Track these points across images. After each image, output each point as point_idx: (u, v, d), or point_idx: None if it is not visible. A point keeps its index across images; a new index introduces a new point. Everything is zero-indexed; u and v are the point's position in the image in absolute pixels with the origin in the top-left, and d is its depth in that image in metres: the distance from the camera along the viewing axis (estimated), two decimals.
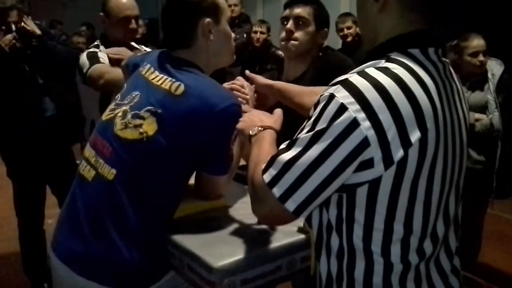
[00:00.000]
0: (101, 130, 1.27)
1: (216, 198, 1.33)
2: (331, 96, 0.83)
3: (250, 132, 1.08)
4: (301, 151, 0.85)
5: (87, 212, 1.20)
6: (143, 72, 1.29)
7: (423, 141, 0.83)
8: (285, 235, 1.18)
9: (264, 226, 1.22)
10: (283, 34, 1.72)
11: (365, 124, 0.80)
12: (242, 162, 1.71)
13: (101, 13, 2.18)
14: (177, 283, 1.24)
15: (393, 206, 0.86)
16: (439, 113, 0.85)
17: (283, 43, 1.74)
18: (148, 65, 1.30)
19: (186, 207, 1.30)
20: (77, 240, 1.20)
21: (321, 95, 0.87)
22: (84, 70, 2.09)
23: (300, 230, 1.20)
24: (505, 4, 4.15)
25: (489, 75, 2.63)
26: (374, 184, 0.85)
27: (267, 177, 0.88)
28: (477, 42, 2.59)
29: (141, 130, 1.17)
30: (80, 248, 1.19)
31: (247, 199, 1.38)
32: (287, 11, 1.74)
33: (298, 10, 1.70)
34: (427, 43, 0.91)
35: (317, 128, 0.84)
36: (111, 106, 1.30)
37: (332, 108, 0.82)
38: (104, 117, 1.29)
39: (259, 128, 1.07)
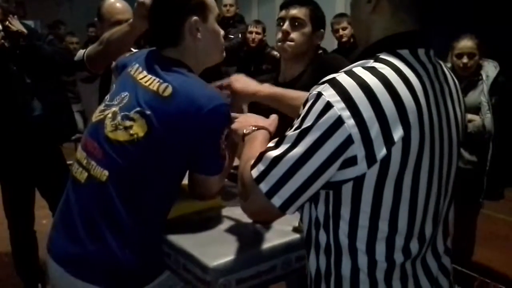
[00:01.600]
0: (92, 132, 1.27)
1: (210, 197, 1.33)
2: (318, 95, 0.86)
3: (244, 131, 1.10)
4: (288, 148, 0.87)
5: (81, 214, 1.20)
6: (132, 72, 1.28)
7: (406, 140, 0.84)
8: (280, 235, 1.19)
9: (259, 226, 1.23)
10: (279, 35, 1.73)
11: (349, 122, 0.82)
12: (236, 162, 1.71)
13: (96, 19, 2.19)
14: (172, 283, 1.24)
15: (377, 204, 0.87)
16: (424, 113, 0.86)
17: (279, 44, 1.74)
18: (137, 65, 1.29)
19: (181, 207, 1.30)
20: (72, 242, 1.20)
21: (309, 94, 0.89)
22: (81, 59, 2.07)
23: (295, 230, 1.20)
24: (502, 5, 4.18)
25: (484, 77, 2.63)
26: (358, 182, 0.86)
27: (255, 173, 0.90)
28: (463, 44, 2.57)
29: (131, 131, 1.17)
30: (75, 250, 1.19)
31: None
32: (283, 12, 1.74)
33: (294, 11, 1.71)
34: (417, 44, 0.93)
35: (304, 125, 0.86)
36: (101, 107, 1.29)
37: (318, 106, 0.85)
38: (94, 118, 1.28)
39: (253, 128, 1.09)
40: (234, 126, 1.16)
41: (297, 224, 1.21)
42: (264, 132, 1.10)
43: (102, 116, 1.25)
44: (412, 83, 0.86)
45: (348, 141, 0.82)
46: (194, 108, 1.14)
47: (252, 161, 0.93)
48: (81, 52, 2.13)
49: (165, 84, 1.18)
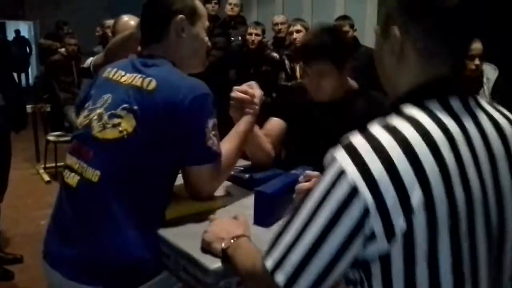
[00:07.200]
0: (79, 137, 1.28)
1: (205, 194, 1.32)
2: (333, 160, 0.77)
3: (223, 245, 1.03)
4: (303, 228, 0.77)
5: (75, 217, 1.21)
6: (110, 76, 1.31)
7: (428, 205, 0.73)
8: None
9: (260, 228, 1.22)
10: (308, 84, 1.66)
11: (364, 191, 0.73)
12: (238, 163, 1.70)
13: (110, 34, 2.37)
14: (168, 284, 1.23)
15: (412, 285, 0.75)
16: (451, 170, 0.75)
17: (310, 91, 1.68)
18: (115, 69, 1.32)
19: (181, 208, 1.29)
20: (67, 245, 1.20)
21: (326, 157, 0.80)
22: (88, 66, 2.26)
23: None
24: (502, 9, 4.18)
25: (484, 80, 2.64)
26: (385, 261, 0.75)
27: (269, 263, 0.79)
28: (474, 46, 2.60)
29: (120, 128, 1.18)
30: (70, 252, 1.19)
31: (243, 201, 1.39)
32: (305, 66, 1.66)
33: (315, 67, 1.61)
34: (448, 91, 0.82)
35: (318, 196, 0.77)
36: (85, 113, 1.30)
37: (332, 173, 0.76)
38: (80, 125, 1.30)
39: (232, 240, 1.02)
40: (206, 239, 1.10)
41: None
42: (245, 239, 1.03)
43: (87, 121, 1.26)
44: (434, 139, 0.76)
45: (365, 213, 0.73)
46: (178, 99, 1.17)
47: (263, 254, 0.82)
48: (89, 60, 2.30)
49: (148, 79, 1.21)
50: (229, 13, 4.81)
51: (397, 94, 0.86)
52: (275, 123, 1.78)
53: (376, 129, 0.78)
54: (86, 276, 1.17)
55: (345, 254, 0.75)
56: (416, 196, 0.72)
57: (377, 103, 1.58)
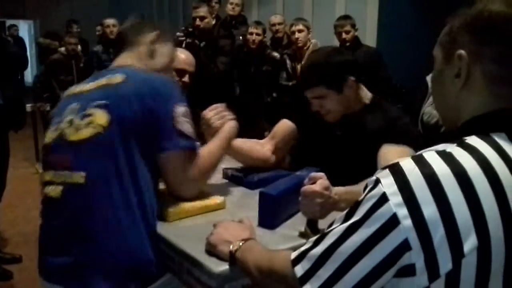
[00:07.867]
0: (53, 149, 1.26)
1: (183, 185, 1.27)
2: (376, 182, 0.71)
3: (231, 248, 1.01)
4: (337, 244, 0.72)
5: (65, 226, 1.19)
6: (71, 92, 1.35)
7: (483, 250, 0.66)
8: (286, 240, 1.17)
9: (264, 230, 1.21)
10: (312, 106, 1.60)
11: (406, 223, 0.66)
12: (237, 164, 1.68)
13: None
14: (170, 287, 1.22)
15: None
16: None
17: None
18: (75, 86, 1.37)
19: (183, 210, 1.28)
20: (61, 256, 1.18)
21: (371, 178, 0.74)
22: None
23: (301, 235, 1.18)
24: None
25: None
26: None
27: (299, 271, 0.76)
28: None
29: (93, 125, 1.19)
30: (66, 262, 1.17)
31: (247, 202, 1.38)
32: (305, 94, 1.60)
33: (310, 95, 1.57)
34: None
35: (355, 217, 0.72)
36: (52, 129, 1.29)
37: (373, 196, 0.70)
38: (49, 140, 1.28)
39: (240, 243, 1.01)
40: (212, 241, 1.08)
41: (303, 229, 1.19)
42: (254, 241, 1.02)
43: (58, 132, 1.25)
44: (499, 177, 0.68)
45: (404, 246, 0.67)
46: (146, 88, 1.22)
47: (292, 257, 0.79)
48: None
49: (115, 75, 1.25)
50: (230, 12, 4.80)
51: (457, 123, 0.78)
52: (284, 126, 1.73)
53: (430, 154, 0.70)
54: (87, 281, 1.14)
55: (374, 280, 0.70)
56: (470, 243, 0.66)
57: (390, 117, 1.51)
